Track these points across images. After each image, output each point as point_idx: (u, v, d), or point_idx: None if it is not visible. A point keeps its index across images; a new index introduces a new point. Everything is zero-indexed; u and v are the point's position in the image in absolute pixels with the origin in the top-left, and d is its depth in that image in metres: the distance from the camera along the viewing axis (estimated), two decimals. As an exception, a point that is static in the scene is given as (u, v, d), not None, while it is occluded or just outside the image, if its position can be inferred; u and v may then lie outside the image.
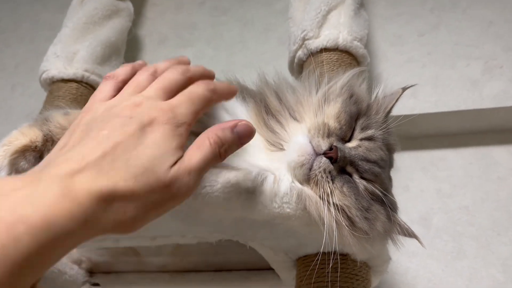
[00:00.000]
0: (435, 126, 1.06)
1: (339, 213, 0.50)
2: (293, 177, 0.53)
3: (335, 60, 0.84)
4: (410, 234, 0.56)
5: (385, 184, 0.55)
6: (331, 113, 0.54)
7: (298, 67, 0.91)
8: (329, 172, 0.51)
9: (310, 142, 0.52)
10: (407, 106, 1.03)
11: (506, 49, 1.05)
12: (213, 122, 0.55)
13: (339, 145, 0.52)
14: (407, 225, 0.57)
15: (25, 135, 0.50)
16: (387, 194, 0.54)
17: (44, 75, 1.05)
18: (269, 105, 0.59)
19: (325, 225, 0.50)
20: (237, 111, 0.57)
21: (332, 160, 0.51)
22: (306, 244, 0.60)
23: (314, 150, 0.52)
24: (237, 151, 0.49)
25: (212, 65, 1.27)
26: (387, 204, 0.53)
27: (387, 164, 0.57)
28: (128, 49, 1.29)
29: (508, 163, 1.02)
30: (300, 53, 0.88)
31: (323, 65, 0.84)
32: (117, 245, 0.66)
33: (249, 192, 0.50)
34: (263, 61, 1.22)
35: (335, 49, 0.85)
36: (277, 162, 0.54)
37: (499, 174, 1.02)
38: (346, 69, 0.84)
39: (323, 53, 0.86)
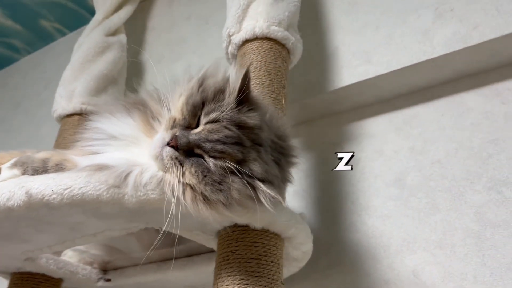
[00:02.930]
0: (396, 85, 1.04)
1: (192, 191, 0.59)
2: (158, 168, 0.62)
3: (255, 48, 0.90)
4: (273, 197, 0.60)
5: (238, 156, 0.61)
6: (177, 107, 0.62)
7: (235, 62, 0.98)
8: (176, 158, 0.59)
9: (162, 136, 0.61)
10: (362, 72, 1.04)
11: (456, -11, 1.00)
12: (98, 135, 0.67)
13: (180, 133, 0.60)
14: (268, 190, 0.60)
15: None
16: (240, 166, 0.59)
17: (54, 115, 1.27)
18: (152, 110, 0.69)
19: (180, 203, 0.58)
20: (121, 124, 0.68)
21: (175, 147, 0.59)
22: (206, 222, 0.68)
23: (163, 142, 0.60)
24: (120, 155, 0.60)
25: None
26: (244, 173, 0.59)
27: (241, 138, 0.61)
28: (134, 74, 1.47)
29: (482, 107, 0.97)
30: (230, 48, 0.96)
31: (245, 55, 0.91)
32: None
33: (115, 186, 0.60)
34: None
35: (254, 38, 0.91)
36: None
37: (472, 120, 0.97)
38: (267, 55, 0.90)
39: (246, 45, 0.92)
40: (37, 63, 2.07)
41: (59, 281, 1.00)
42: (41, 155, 0.69)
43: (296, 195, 1.12)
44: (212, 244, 0.76)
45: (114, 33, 1.42)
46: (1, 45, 2.13)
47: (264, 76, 0.86)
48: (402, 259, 0.92)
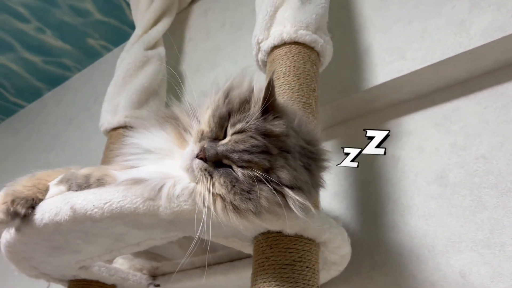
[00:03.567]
0: (433, 80, 1.01)
1: (222, 201, 0.60)
2: (190, 180, 0.65)
3: (284, 54, 0.91)
4: (302, 203, 0.61)
5: (265, 165, 0.62)
6: (205, 120, 0.64)
7: (265, 68, 0.99)
8: (205, 169, 0.61)
9: (191, 149, 0.63)
10: (396, 68, 1.02)
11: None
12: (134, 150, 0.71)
13: (208, 145, 0.62)
14: (297, 196, 0.61)
15: None
16: (268, 174, 0.60)
17: (101, 129, 1.34)
18: (183, 122, 0.71)
19: (211, 213, 0.60)
20: (155, 138, 0.71)
21: (204, 159, 0.61)
22: (239, 230, 0.70)
23: (192, 155, 0.63)
24: (155, 168, 0.64)
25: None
26: (272, 181, 0.60)
27: (267, 147, 0.62)
28: (175, 84, 1.52)
29: (528, 97, 0.92)
30: (260, 56, 0.97)
31: (274, 62, 0.91)
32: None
33: (150, 199, 0.63)
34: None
35: (283, 44, 0.92)
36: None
37: (518, 111, 0.92)
38: (296, 59, 0.91)
39: (274, 51, 0.93)
40: (87, 79, 2.19)
41: (112, 287, 1.06)
42: (84, 171, 0.74)
43: (336, 196, 1.11)
44: (249, 250, 0.78)
45: (153, 46, 1.48)
46: (53, 65, 2.27)
47: (293, 81, 0.86)
48: (448, 260, 0.89)
